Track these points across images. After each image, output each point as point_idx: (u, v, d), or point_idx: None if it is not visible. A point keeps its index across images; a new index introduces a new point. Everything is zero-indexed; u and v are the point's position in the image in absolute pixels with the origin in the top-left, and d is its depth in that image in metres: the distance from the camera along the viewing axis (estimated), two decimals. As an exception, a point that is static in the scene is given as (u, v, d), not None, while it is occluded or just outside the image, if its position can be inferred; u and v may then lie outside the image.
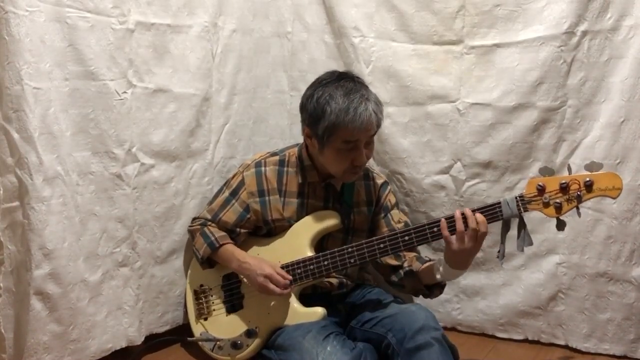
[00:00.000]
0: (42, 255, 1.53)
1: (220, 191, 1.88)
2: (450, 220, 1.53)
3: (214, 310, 1.83)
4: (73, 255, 1.62)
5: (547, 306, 1.99)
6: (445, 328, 1.98)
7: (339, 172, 1.67)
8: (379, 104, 1.63)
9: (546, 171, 1.50)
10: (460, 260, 1.56)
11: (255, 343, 1.72)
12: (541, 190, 1.49)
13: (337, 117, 1.57)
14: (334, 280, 1.78)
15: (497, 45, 1.98)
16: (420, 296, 1.75)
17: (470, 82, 2.03)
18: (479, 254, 2.05)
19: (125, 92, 1.73)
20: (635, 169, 1.83)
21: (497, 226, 1.56)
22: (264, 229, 1.80)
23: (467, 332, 2.12)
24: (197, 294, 1.88)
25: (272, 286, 1.63)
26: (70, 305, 1.61)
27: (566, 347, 1.98)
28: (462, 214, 1.51)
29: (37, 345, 1.55)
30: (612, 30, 1.84)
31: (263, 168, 1.79)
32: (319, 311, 1.65)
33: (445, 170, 2.09)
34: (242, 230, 1.81)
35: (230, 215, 1.80)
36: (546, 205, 1.49)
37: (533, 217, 1.53)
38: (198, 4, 1.92)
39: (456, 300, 2.12)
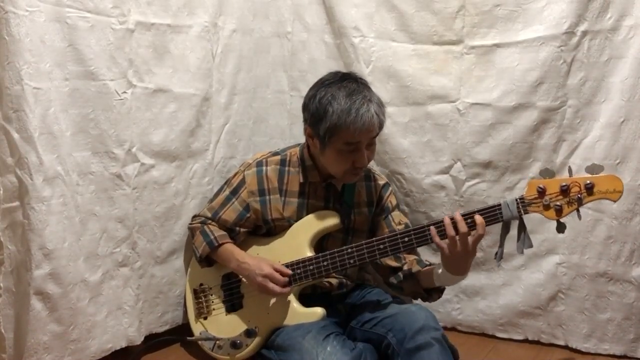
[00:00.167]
0: (42, 255, 1.54)
1: (221, 189, 1.88)
2: (440, 226, 1.52)
3: (213, 309, 1.83)
4: (73, 255, 1.62)
5: (547, 306, 1.99)
6: (445, 328, 1.98)
7: (339, 172, 1.67)
8: (381, 105, 1.63)
9: (547, 173, 1.50)
10: (457, 265, 1.55)
11: (254, 343, 1.72)
12: (542, 192, 1.49)
13: (338, 118, 1.57)
14: (333, 281, 1.78)
15: (497, 45, 1.98)
16: (419, 299, 1.75)
17: (470, 82, 2.03)
18: (479, 254, 2.06)
19: (125, 92, 1.73)
20: (635, 169, 1.83)
21: (497, 227, 1.56)
22: (263, 229, 1.80)
23: (467, 332, 2.12)
24: (196, 293, 1.88)
25: (271, 285, 1.63)
26: (70, 305, 1.61)
27: (566, 347, 1.98)
28: (452, 219, 1.51)
29: (37, 345, 1.55)
30: (612, 30, 1.84)
31: (264, 167, 1.79)
32: (318, 311, 1.65)
33: (445, 170, 2.09)
34: (242, 229, 1.81)
35: (230, 213, 1.80)
36: (546, 207, 1.49)
37: (533, 217, 1.52)
38: (198, 4, 1.92)
39: (456, 300, 2.13)
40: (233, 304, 1.79)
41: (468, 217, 1.51)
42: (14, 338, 1.55)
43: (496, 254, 1.57)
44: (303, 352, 1.51)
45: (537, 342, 2.02)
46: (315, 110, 1.62)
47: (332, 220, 1.73)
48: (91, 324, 1.69)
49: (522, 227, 1.53)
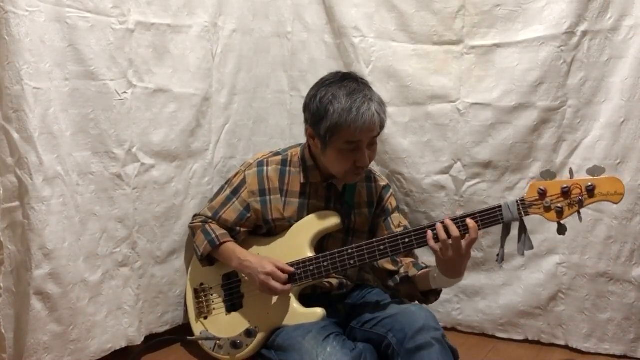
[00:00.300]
0: (42, 255, 1.53)
1: (221, 189, 1.88)
2: (434, 230, 1.52)
3: (214, 309, 1.83)
4: (73, 255, 1.62)
5: (547, 306, 1.99)
6: (445, 328, 1.98)
7: (341, 172, 1.67)
8: (382, 104, 1.63)
9: (548, 175, 1.49)
10: (451, 268, 1.55)
11: (254, 343, 1.72)
12: (542, 194, 1.48)
13: (339, 117, 1.57)
14: (333, 281, 1.78)
15: (497, 45, 1.98)
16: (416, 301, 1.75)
17: (470, 82, 2.03)
18: (479, 255, 2.06)
19: (125, 92, 1.73)
20: (635, 169, 1.84)
21: (497, 228, 1.56)
22: (264, 228, 1.80)
23: (467, 332, 2.12)
24: (197, 293, 1.88)
25: (273, 283, 1.63)
26: (70, 305, 1.61)
27: (566, 347, 1.98)
28: (443, 223, 1.51)
29: (37, 345, 1.55)
30: (612, 30, 1.84)
31: (265, 167, 1.78)
32: (318, 312, 1.65)
33: (445, 170, 2.09)
34: (242, 229, 1.81)
35: (230, 213, 1.80)
36: (547, 209, 1.48)
37: (533, 217, 1.52)
38: (198, 4, 1.92)
39: (456, 300, 2.13)
40: (233, 304, 1.79)
41: (464, 219, 1.51)
42: (14, 338, 1.55)
43: (497, 255, 1.56)
44: (303, 352, 1.51)
45: (537, 342, 2.03)
46: (316, 110, 1.62)
47: (332, 221, 1.72)
48: (91, 324, 1.69)
49: (522, 229, 1.53)
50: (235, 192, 1.80)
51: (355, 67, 2.12)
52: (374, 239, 1.61)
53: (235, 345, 1.74)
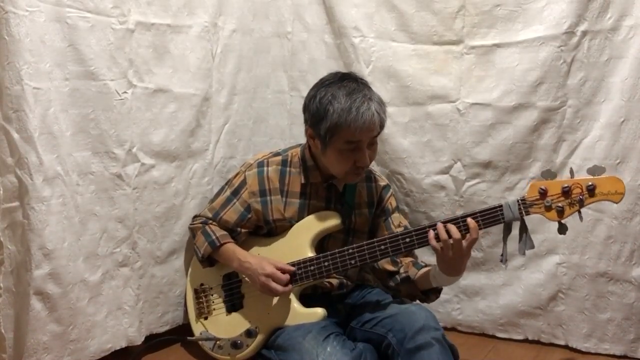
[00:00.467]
0: (42, 255, 1.53)
1: (221, 190, 1.88)
2: (435, 229, 1.53)
3: (214, 309, 1.83)
4: (73, 255, 1.62)
5: (547, 306, 1.99)
6: (445, 328, 1.98)
7: (341, 172, 1.67)
8: (382, 104, 1.63)
9: (548, 174, 1.50)
10: (452, 267, 1.55)
11: (255, 343, 1.72)
12: (543, 193, 1.49)
13: (339, 117, 1.57)
14: (334, 281, 1.78)
15: (497, 45, 1.98)
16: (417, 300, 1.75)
17: (470, 82, 2.03)
18: (479, 254, 2.06)
19: (125, 92, 1.73)
20: (635, 169, 1.84)
21: (497, 228, 1.56)
22: (264, 229, 1.80)
23: (467, 332, 2.12)
24: (197, 293, 1.88)
25: (274, 285, 1.63)
26: (70, 305, 1.61)
27: (566, 347, 1.98)
28: (445, 225, 1.51)
29: (37, 345, 1.55)
30: (612, 30, 1.84)
31: (265, 168, 1.78)
32: (319, 312, 1.65)
33: (445, 170, 2.09)
34: (243, 230, 1.81)
35: (231, 214, 1.80)
36: (548, 209, 1.49)
37: (533, 217, 1.53)
38: (198, 4, 1.92)
39: (456, 300, 2.13)
40: (234, 304, 1.79)
41: (464, 219, 1.51)
42: (14, 338, 1.55)
43: (501, 256, 1.56)
44: (303, 352, 1.51)
45: (537, 342, 2.03)
46: (315, 111, 1.62)
47: (333, 221, 1.72)
48: (91, 324, 1.69)
49: (523, 228, 1.53)
50: (236, 192, 1.80)
51: (355, 67, 2.12)
52: (375, 239, 1.61)
53: (235, 345, 1.74)
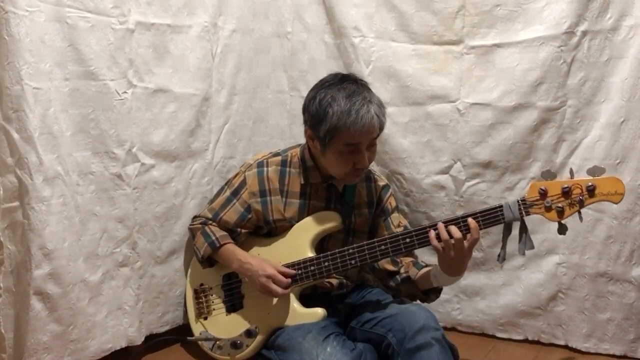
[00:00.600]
0: (42, 255, 1.53)
1: (221, 190, 1.88)
2: (436, 229, 1.53)
3: (214, 309, 1.83)
4: (73, 255, 1.62)
5: (547, 306, 1.99)
6: (445, 328, 1.98)
7: (340, 174, 1.67)
8: (381, 106, 1.62)
9: (548, 175, 1.50)
10: (453, 267, 1.56)
11: (255, 343, 1.72)
12: (543, 194, 1.49)
13: (338, 119, 1.57)
14: (334, 281, 1.78)
15: (497, 45, 1.98)
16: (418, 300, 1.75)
17: (470, 82, 2.03)
18: (479, 254, 2.06)
19: (125, 92, 1.73)
20: (635, 169, 1.84)
21: (498, 228, 1.56)
22: (264, 229, 1.80)
23: (467, 332, 2.12)
24: (197, 293, 1.88)
25: (274, 287, 1.63)
26: (70, 305, 1.61)
27: (566, 347, 1.98)
28: (445, 224, 1.51)
29: (37, 345, 1.55)
30: (612, 30, 1.84)
31: (265, 168, 1.78)
32: (319, 312, 1.65)
33: (445, 170, 2.09)
34: (243, 230, 1.81)
35: (231, 214, 1.80)
36: (548, 209, 1.49)
37: (533, 217, 1.53)
38: (198, 4, 1.92)
39: (456, 300, 2.13)
40: (233, 304, 1.79)
41: (465, 219, 1.51)
42: (14, 338, 1.55)
43: (499, 255, 1.57)
44: (303, 352, 1.51)
45: (537, 342, 2.02)
46: (315, 112, 1.62)
47: (333, 221, 1.73)
48: (91, 324, 1.69)
49: (523, 229, 1.54)
50: (236, 193, 1.80)
51: (355, 67, 2.12)
52: (375, 239, 1.61)
53: (235, 345, 1.74)
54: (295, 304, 1.68)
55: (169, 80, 1.85)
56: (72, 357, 1.64)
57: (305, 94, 1.72)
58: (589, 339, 1.93)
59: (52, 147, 1.55)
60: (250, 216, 1.78)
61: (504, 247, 1.55)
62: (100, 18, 1.64)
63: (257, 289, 1.68)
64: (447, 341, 1.53)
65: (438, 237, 1.52)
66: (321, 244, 1.75)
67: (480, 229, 1.51)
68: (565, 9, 1.87)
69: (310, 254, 1.68)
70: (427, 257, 1.89)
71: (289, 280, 1.64)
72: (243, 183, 1.79)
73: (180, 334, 1.92)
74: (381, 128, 1.63)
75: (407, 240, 1.57)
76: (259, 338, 1.71)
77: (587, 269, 1.92)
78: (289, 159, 1.79)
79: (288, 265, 1.68)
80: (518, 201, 1.51)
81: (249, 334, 1.72)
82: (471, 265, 2.05)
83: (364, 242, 1.62)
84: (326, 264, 1.64)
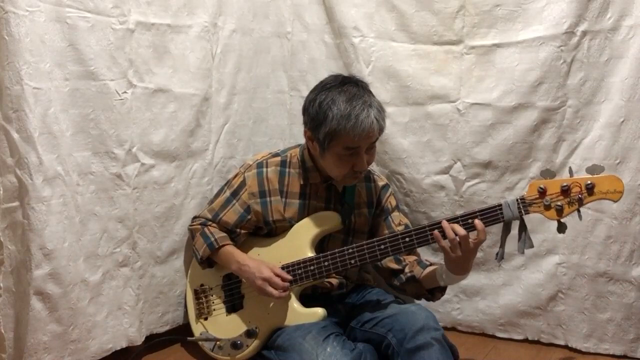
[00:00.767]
0: (42, 255, 1.53)
1: (221, 191, 1.88)
2: (440, 229, 1.53)
3: (214, 310, 1.83)
4: (73, 255, 1.62)
5: (547, 306, 1.99)
6: (445, 328, 1.98)
7: (339, 176, 1.67)
8: (381, 110, 1.62)
9: (547, 173, 1.50)
10: (459, 266, 1.56)
11: (255, 343, 1.72)
12: (542, 192, 1.49)
13: (338, 123, 1.56)
14: (334, 281, 1.78)
15: (497, 45, 1.98)
16: (422, 299, 1.75)
17: (470, 82, 2.03)
18: (479, 254, 2.06)
19: (125, 92, 1.73)
20: (635, 169, 1.84)
21: (497, 227, 1.56)
22: (264, 230, 1.80)
23: (467, 332, 2.12)
24: (197, 294, 1.88)
25: (270, 289, 1.63)
26: (70, 306, 1.61)
27: (566, 347, 1.98)
28: (450, 222, 1.51)
29: (37, 345, 1.55)
30: (612, 30, 1.84)
31: (265, 169, 1.78)
32: (319, 312, 1.65)
33: (445, 170, 2.09)
34: (243, 231, 1.81)
35: (230, 215, 1.80)
36: (547, 207, 1.49)
37: (533, 217, 1.53)
38: (198, 4, 1.92)
39: (456, 300, 2.12)
40: (234, 305, 1.79)
41: (468, 218, 1.51)
42: (14, 338, 1.55)
43: (497, 254, 1.57)
44: (303, 352, 1.51)
45: (537, 342, 2.02)
46: (315, 114, 1.62)
47: (333, 221, 1.73)
48: (91, 324, 1.69)
49: (522, 227, 1.54)
50: (235, 193, 1.80)
51: (355, 67, 2.12)
52: (375, 239, 1.61)
53: (235, 345, 1.74)
54: (295, 304, 1.68)
55: (169, 80, 1.85)
56: (72, 357, 1.64)
57: (305, 94, 1.72)
58: (589, 339, 1.93)
59: (52, 147, 1.55)
60: (249, 217, 1.78)
61: (502, 245, 1.56)
62: (100, 18, 1.64)
63: (254, 290, 1.68)
64: (447, 341, 1.53)
65: (443, 236, 1.52)
66: (321, 244, 1.75)
67: None
68: (565, 9, 1.87)
69: (310, 254, 1.68)
70: (426, 256, 1.89)
71: (286, 283, 1.64)
72: (242, 184, 1.79)
73: (180, 334, 1.92)
74: (380, 132, 1.62)
75: (407, 239, 1.58)
76: (259, 338, 1.71)
77: (587, 269, 1.92)
78: (288, 160, 1.79)
79: (288, 266, 1.68)
80: (517, 200, 1.51)
81: (249, 334, 1.72)
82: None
83: (364, 242, 1.62)
84: (326, 263, 1.64)
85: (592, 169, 1.47)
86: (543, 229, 1.94)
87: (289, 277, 1.65)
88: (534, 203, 1.50)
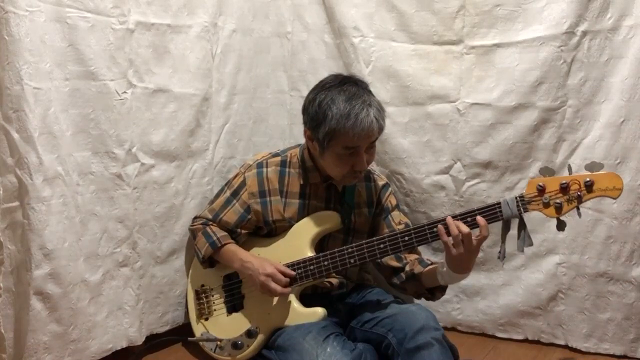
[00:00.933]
0: (42, 255, 1.53)
1: (221, 191, 1.88)
2: (444, 224, 1.52)
3: (214, 310, 1.83)
4: (73, 255, 1.62)
5: (547, 306, 1.99)
6: (445, 328, 1.98)
7: (338, 176, 1.67)
8: (381, 110, 1.62)
9: (546, 171, 1.50)
10: (461, 264, 1.55)
11: (255, 343, 1.72)
12: (541, 190, 1.49)
13: (337, 122, 1.56)
14: (334, 281, 1.78)
15: (497, 45, 1.98)
16: (422, 298, 1.75)
17: (470, 82, 2.03)
18: (479, 254, 2.05)
19: (125, 92, 1.73)
20: (635, 169, 1.83)
21: (497, 226, 1.56)
22: (264, 230, 1.80)
23: (467, 332, 2.12)
24: (198, 294, 1.88)
25: (273, 285, 1.63)
26: (70, 306, 1.61)
27: (566, 347, 1.98)
28: (454, 218, 1.51)
29: (37, 345, 1.55)
30: (612, 30, 1.84)
31: (265, 169, 1.79)
32: (319, 312, 1.65)
33: (445, 170, 2.09)
34: (243, 231, 1.81)
35: (231, 215, 1.80)
36: (546, 205, 1.49)
37: (533, 216, 1.53)
38: (198, 4, 1.92)
39: (456, 300, 2.12)
40: (234, 305, 1.79)
41: (469, 216, 1.51)
42: (14, 338, 1.55)
43: (499, 252, 1.57)
44: (303, 352, 1.51)
45: (537, 342, 2.02)
46: (314, 114, 1.62)
47: (332, 221, 1.73)
48: (91, 324, 1.69)
49: (522, 226, 1.54)
50: (235, 194, 1.80)
51: (355, 67, 2.12)
52: (374, 238, 1.61)
53: (236, 345, 1.74)
54: (295, 304, 1.68)
55: (169, 80, 1.85)
56: (73, 357, 1.64)
57: (305, 94, 1.72)
58: (589, 339, 1.93)
59: (52, 147, 1.55)
60: (249, 217, 1.78)
61: (503, 243, 1.55)
62: (100, 18, 1.64)
63: (257, 288, 1.68)
64: (447, 341, 1.53)
65: (447, 233, 1.52)
66: (321, 243, 1.75)
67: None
68: (565, 9, 1.87)
69: (310, 253, 1.68)
70: (427, 256, 1.89)
71: (289, 279, 1.64)
72: (242, 184, 1.79)
73: (180, 334, 1.92)
74: (380, 131, 1.62)
75: (406, 238, 1.58)
76: (259, 338, 1.71)
77: (587, 269, 1.92)
78: (288, 160, 1.79)
79: (288, 265, 1.68)
80: (516, 198, 1.51)
81: (250, 334, 1.72)
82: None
83: (363, 241, 1.62)
84: (325, 263, 1.64)
85: (591, 167, 1.47)
86: (543, 228, 1.94)
87: (292, 273, 1.65)
88: (533, 201, 1.50)
